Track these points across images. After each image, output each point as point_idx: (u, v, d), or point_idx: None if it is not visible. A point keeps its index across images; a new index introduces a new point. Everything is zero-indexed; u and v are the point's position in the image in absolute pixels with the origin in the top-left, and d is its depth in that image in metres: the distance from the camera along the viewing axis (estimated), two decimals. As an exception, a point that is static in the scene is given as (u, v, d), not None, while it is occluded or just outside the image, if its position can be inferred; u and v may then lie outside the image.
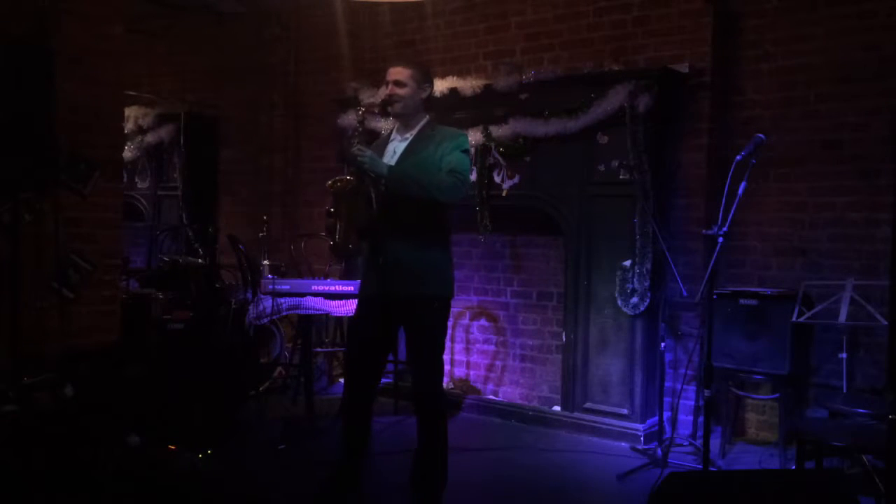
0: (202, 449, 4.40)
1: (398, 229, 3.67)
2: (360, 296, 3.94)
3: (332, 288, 5.21)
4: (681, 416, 5.05)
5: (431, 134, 3.80)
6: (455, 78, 5.77)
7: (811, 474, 3.04)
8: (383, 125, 6.00)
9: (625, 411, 5.05)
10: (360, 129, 3.75)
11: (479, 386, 6.11)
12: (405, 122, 3.83)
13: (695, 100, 5.08)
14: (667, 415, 4.95)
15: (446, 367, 6.21)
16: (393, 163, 3.74)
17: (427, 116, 3.88)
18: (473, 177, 5.63)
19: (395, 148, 3.82)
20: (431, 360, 3.81)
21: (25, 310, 4.38)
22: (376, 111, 4.01)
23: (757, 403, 5.05)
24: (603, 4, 5.48)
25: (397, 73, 3.76)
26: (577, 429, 5.19)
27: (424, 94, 3.84)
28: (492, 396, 5.96)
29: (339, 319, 6.09)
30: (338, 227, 3.69)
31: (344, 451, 3.90)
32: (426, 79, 3.85)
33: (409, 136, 3.80)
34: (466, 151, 3.80)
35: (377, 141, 3.98)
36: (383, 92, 3.83)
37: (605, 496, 4.23)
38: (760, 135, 3.61)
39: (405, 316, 3.76)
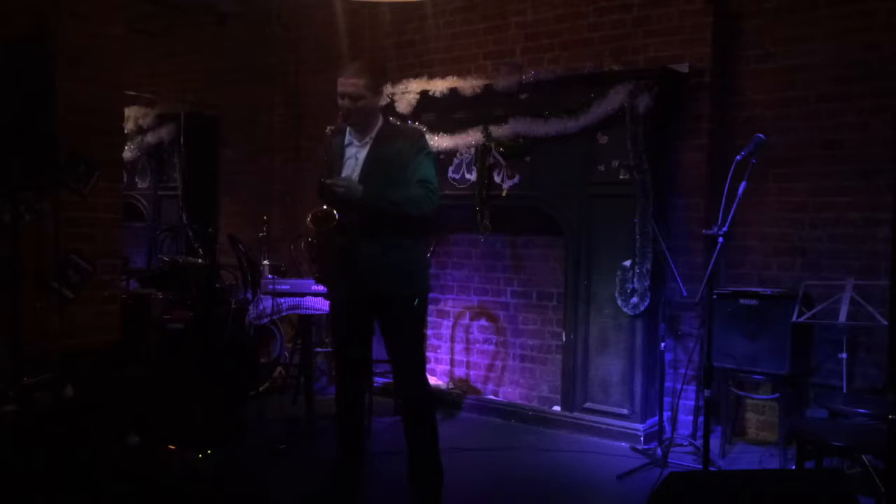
0: (202, 449, 4.40)
1: (372, 232, 3.68)
2: (337, 297, 3.94)
3: (332, 288, 5.20)
4: (681, 416, 5.05)
5: (390, 136, 3.79)
6: (455, 78, 5.77)
7: (811, 474, 3.04)
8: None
9: (625, 411, 5.05)
10: (326, 157, 3.83)
11: (479, 386, 6.10)
12: (362, 128, 3.80)
13: (695, 100, 5.07)
14: (667, 415, 4.95)
15: (446, 367, 6.23)
16: (357, 172, 3.73)
17: (381, 118, 3.85)
18: (473, 176, 5.64)
19: (357, 155, 3.79)
20: (416, 356, 3.86)
21: (25, 310, 4.38)
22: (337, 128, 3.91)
23: (757, 403, 5.04)
24: (603, 4, 5.48)
25: (351, 85, 3.69)
26: (577, 429, 5.19)
27: (379, 98, 3.85)
28: (492, 396, 5.96)
29: (339, 319, 6.09)
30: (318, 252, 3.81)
31: (341, 452, 3.91)
32: (379, 82, 3.85)
33: (368, 140, 3.78)
34: (429, 153, 3.81)
35: (331, 147, 3.89)
36: (340, 103, 3.76)
37: (605, 496, 4.23)
38: (760, 135, 3.61)
39: (387, 314, 3.79)
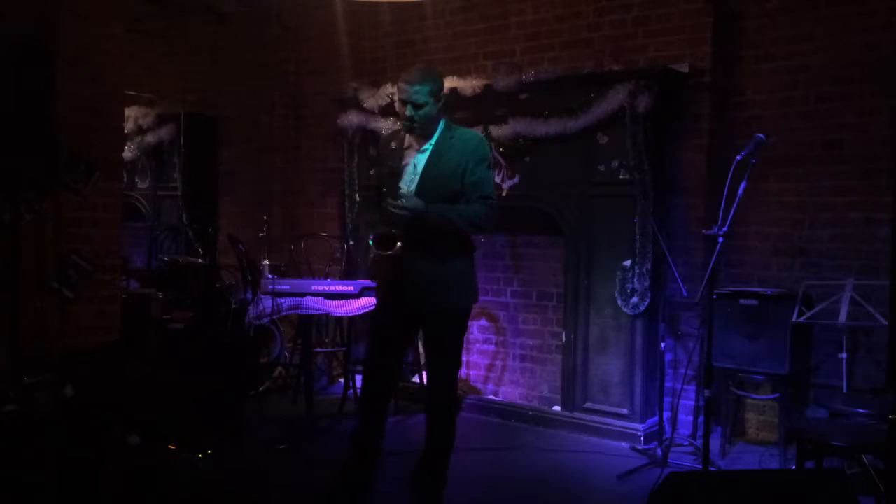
0: (202, 449, 4.40)
1: (421, 241, 3.62)
2: (382, 300, 3.95)
3: (332, 288, 5.21)
4: (681, 416, 5.05)
5: (450, 141, 3.69)
6: (455, 78, 5.76)
7: (811, 474, 3.04)
8: (384, 125, 5.99)
9: (625, 411, 5.05)
10: (380, 159, 3.84)
11: (479, 386, 6.11)
12: (423, 134, 3.71)
13: (695, 100, 5.07)
14: (667, 415, 4.95)
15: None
16: (415, 182, 3.64)
17: (443, 120, 3.75)
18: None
19: (416, 162, 3.69)
20: (449, 365, 3.83)
21: (25, 310, 4.38)
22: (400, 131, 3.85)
23: (757, 403, 5.04)
24: (603, 4, 5.48)
25: (416, 93, 3.58)
26: (577, 429, 5.19)
27: (441, 103, 3.71)
28: (492, 396, 5.96)
29: (339, 319, 6.10)
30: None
31: (356, 451, 3.90)
32: (441, 87, 3.70)
33: (428, 146, 3.68)
34: (488, 161, 3.71)
35: (389, 149, 3.82)
36: (400, 109, 3.67)
37: (605, 496, 4.23)
38: (760, 135, 3.61)
39: (428, 323, 3.78)
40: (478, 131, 5.49)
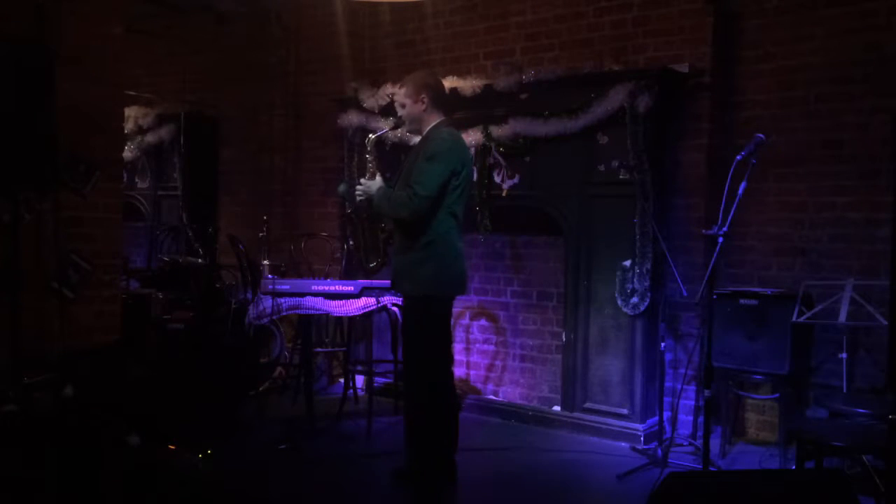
0: (202, 449, 4.40)
1: (397, 236, 4.04)
2: None
3: (332, 288, 5.20)
4: (681, 416, 5.05)
5: (424, 142, 3.97)
6: (455, 78, 5.75)
7: (811, 474, 3.04)
8: (384, 125, 6.04)
9: (625, 411, 5.05)
10: (371, 164, 4.13)
11: (479, 386, 6.11)
12: (413, 131, 4.14)
13: (695, 100, 5.07)
14: (667, 415, 4.95)
15: (446, 367, 6.21)
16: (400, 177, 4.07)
17: (435, 122, 3.99)
18: (473, 176, 5.63)
19: None
20: (413, 357, 4.01)
21: (25, 310, 4.38)
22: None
23: (757, 403, 5.04)
24: (603, 4, 5.48)
25: (397, 94, 4.07)
26: (577, 429, 5.19)
27: (423, 104, 3.96)
28: (492, 396, 5.96)
29: (339, 319, 6.09)
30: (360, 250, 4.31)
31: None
32: (418, 90, 3.95)
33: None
34: (433, 157, 3.84)
35: None
36: None
37: (605, 496, 4.23)
38: (760, 135, 3.61)
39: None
40: (478, 131, 5.55)
